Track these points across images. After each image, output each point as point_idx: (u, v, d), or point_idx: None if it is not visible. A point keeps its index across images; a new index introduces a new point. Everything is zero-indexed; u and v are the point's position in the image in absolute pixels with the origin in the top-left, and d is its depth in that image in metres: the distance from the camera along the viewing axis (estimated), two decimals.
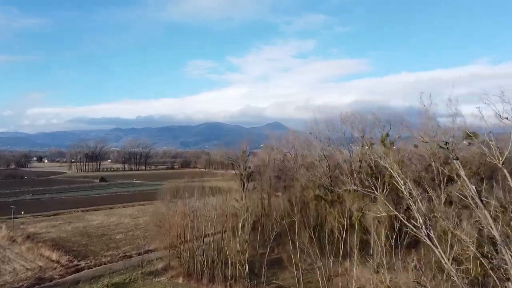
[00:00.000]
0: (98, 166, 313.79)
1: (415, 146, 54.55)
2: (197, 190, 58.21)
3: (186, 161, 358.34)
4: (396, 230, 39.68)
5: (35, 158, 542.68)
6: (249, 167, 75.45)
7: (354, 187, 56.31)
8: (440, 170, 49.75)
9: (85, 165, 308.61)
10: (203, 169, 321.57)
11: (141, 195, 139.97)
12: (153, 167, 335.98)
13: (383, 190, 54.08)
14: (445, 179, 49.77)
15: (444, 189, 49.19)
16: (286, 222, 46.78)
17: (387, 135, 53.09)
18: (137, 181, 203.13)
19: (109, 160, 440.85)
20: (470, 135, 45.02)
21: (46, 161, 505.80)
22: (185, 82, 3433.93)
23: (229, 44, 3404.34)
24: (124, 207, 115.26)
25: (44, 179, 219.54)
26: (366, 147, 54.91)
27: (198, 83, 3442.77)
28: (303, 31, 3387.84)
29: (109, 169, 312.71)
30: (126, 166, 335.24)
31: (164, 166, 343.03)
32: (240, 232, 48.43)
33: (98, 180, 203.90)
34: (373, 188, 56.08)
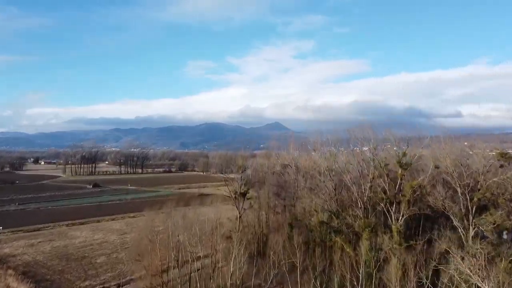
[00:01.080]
0: (93, 169, 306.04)
1: (436, 167, 46.89)
2: (182, 219, 50.27)
3: (184, 164, 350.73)
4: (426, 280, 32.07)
5: (32, 159, 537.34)
6: (245, 184, 67.94)
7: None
8: (468, 198, 42.18)
9: (81, 167, 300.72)
10: (201, 173, 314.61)
11: (132, 205, 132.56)
12: (150, 170, 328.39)
13: (399, 219, 46.66)
14: (474, 208, 42.19)
15: (473, 221, 41.65)
16: (286, 266, 39.20)
17: (404, 154, 45.46)
18: (131, 187, 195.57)
19: (106, 162, 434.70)
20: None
21: (42, 162, 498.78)
22: (185, 82, 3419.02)
23: (229, 44, 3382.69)
24: (112, 219, 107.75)
25: (36, 184, 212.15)
26: (380, 168, 47.27)
27: (197, 83, 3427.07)
28: (302, 31, 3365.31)
29: (104, 173, 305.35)
30: (123, 168, 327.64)
31: (161, 169, 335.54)
32: (231, 273, 40.94)
33: (91, 186, 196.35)
34: (388, 216, 48.76)
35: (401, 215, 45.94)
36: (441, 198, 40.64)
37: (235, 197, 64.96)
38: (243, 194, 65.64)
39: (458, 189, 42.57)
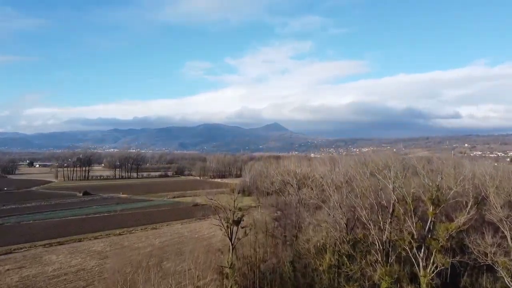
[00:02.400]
0: (87, 173, 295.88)
1: (476, 202, 37.53)
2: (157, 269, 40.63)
3: (180, 168, 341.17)
4: None
5: (28, 161, 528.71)
6: (239, 209, 58.49)
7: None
8: None
9: (73, 171, 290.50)
10: (198, 177, 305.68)
11: (121, 218, 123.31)
12: (145, 175, 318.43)
13: (429, 268, 37.30)
14: None
15: None
16: None
17: (438, 188, 36.04)
18: (123, 195, 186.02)
19: (102, 165, 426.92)
20: None
21: (37, 165, 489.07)
22: (182, 83, 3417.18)
23: (226, 45, 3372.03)
24: (96, 238, 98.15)
25: (24, 191, 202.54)
26: (403, 202, 37.87)
27: (195, 84, 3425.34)
28: (299, 32, 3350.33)
29: (98, 177, 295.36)
30: (118, 172, 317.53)
31: (157, 174, 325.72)
32: None
33: (81, 194, 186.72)
34: (414, 263, 39.38)
35: (431, 262, 36.61)
36: (491, 252, 31.25)
37: (227, 226, 55.49)
38: (237, 222, 56.22)
39: (508, 237, 33.25)
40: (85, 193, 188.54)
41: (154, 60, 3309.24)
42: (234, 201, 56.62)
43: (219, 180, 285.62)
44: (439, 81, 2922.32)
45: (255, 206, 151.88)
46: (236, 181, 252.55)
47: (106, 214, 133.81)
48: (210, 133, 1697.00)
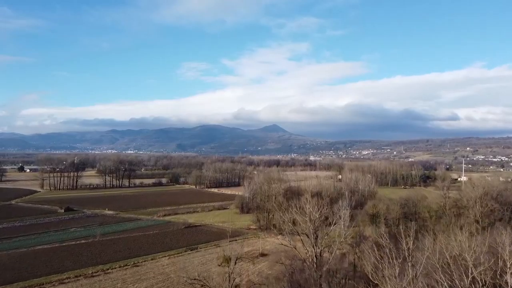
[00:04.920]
0: (76, 181, 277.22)
1: None
2: None
3: (175, 176, 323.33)
4: None
5: (20, 164, 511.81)
6: (234, 278, 40.76)
7: None
8: None
9: (62, 177, 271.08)
10: (193, 187, 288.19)
11: (99, 248, 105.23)
12: (138, 183, 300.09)
13: None
14: None
15: None
16: None
17: None
18: (108, 212, 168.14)
19: (96, 169, 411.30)
20: None
21: (28, 170, 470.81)
22: (180, 84, 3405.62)
23: (223, 46, 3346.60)
24: (62, 282, 79.79)
25: (0, 206, 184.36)
26: None
27: (192, 85, 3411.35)
28: (296, 33, 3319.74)
29: (87, 186, 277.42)
30: (109, 179, 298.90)
31: (150, 182, 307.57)
32: None
33: (63, 210, 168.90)
34: None
35: None
36: None
37: None
38: None
39: None
40: (67, 209, 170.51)
41: (151, 61, 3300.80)
42: (230, 276, 38.90)
43: (216, 190, 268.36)
44: (436, 83, 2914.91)
45: (255, 229, 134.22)
46: (234, 191, 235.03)
47: (83, 240, 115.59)
48: (208, 134, 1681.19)
